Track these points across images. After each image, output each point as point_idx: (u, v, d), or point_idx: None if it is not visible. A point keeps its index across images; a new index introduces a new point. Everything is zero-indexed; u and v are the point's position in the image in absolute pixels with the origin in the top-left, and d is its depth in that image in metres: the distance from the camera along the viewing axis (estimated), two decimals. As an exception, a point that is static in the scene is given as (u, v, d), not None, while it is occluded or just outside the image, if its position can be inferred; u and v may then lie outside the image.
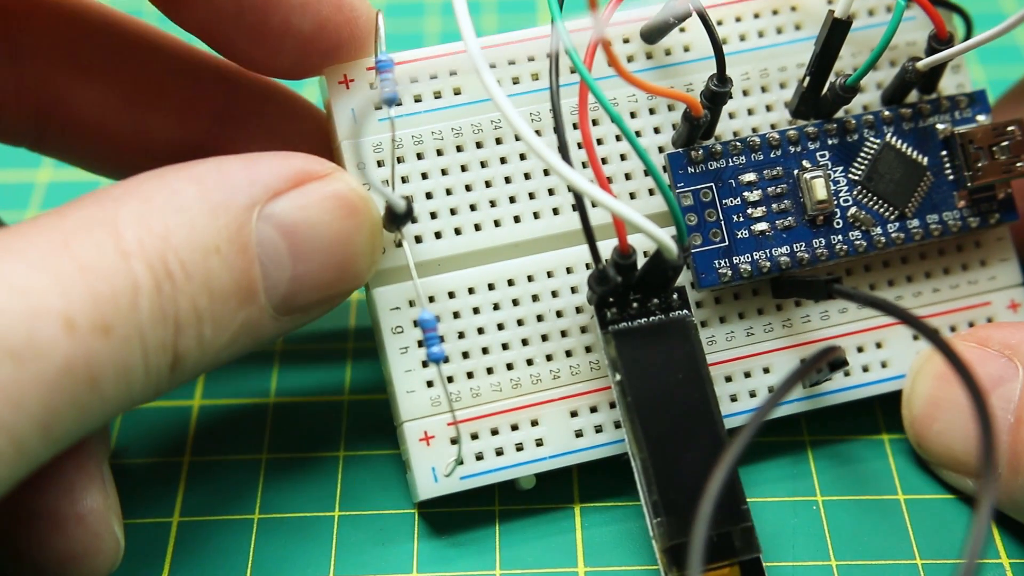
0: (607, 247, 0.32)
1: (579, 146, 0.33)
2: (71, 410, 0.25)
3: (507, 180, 0.34)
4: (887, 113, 0.35)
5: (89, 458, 0.31)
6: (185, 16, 0.32)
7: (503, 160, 0.34)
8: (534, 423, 0.33)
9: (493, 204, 0.34)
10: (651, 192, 0.34)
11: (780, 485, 0.35)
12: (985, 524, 0.23)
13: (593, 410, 0.34)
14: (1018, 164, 0.34)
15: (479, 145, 0.34)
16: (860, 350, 0.35)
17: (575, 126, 0.34)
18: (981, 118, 0.35)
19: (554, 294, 0.34)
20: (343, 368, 0.38)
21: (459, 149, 0.34)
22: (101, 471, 0.31)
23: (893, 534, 0.33)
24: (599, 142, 0.34)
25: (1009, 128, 0.34)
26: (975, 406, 0.25)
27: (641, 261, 0.32)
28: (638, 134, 0.34)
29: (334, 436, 0.36)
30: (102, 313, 0.25)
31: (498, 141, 0.34)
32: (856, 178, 0.34)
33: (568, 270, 0.34)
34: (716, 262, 0.33)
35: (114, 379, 0.25)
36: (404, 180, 0.33)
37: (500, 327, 0.33)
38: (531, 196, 0.34)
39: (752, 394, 0.35)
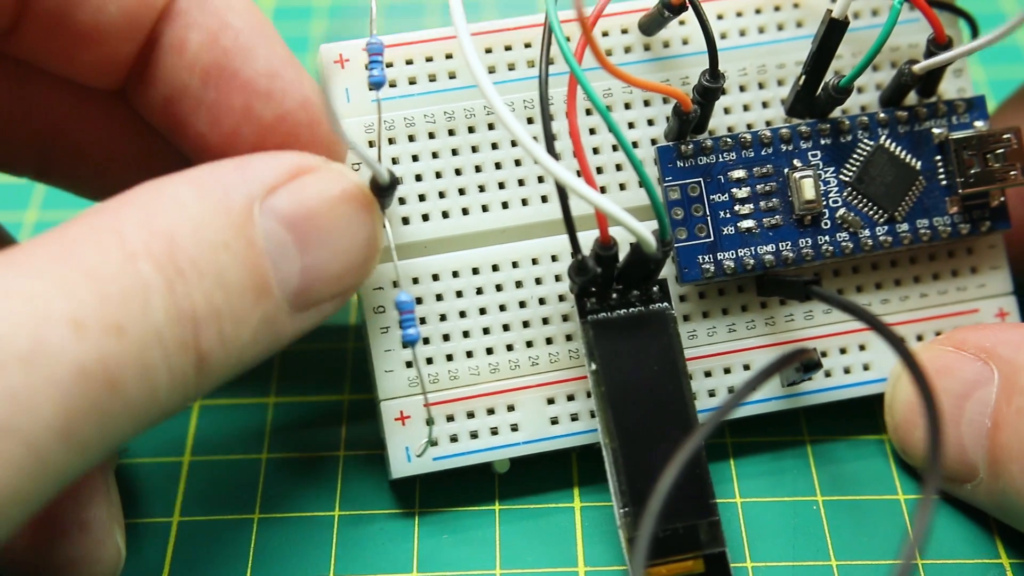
0: (591, 237, 0.31)
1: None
2: (92, 415, 0.24)
3: (497, 166, 0.34)
4: (882, 115, 0.34)
5: (95, 465, 0.30)
6: (145, 94, 0.31)
7: (494, 146, 0.34)
8: (510, 408, 0.34)
9: (482, 189, 0.34)
10: (641, 184, 0.34)
11: (780, 485, 0.35)
12: (924, 529, 0.23)
13: (570, 398, 0.34)
14: (1012, 173, 0.34)
15: (471, 130, 0.34)
16: (843, 351, 0.35)
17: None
18: (979, 124, 0.35)
19: (538, 281, 0.34)
20: (343, 368, 0.38)
21: (451, 133, 0.34)
22: (107, 480, 0.31)
23: (893, 534, 0.33)
24: (592, 132, 0.34)
25: (1005, 136, 0.34)
26: (927, 411, 0.25)
27: (625, 252, 0.32)
28: (632, 126, 0.34)
29: (334, 436, 0.37)
30: (112, 313, 0.24)
31: (490, 127, 0.34)
32: (847, 179, 0.34)
33: (553, 258, 0.34)
34: (700, 257, 0.33)
35: (136, 381, 0.25)
36: (395, 161, 0.33)
37: (482, 311, 0.34)
38: (520, 183, 0.34)
39: (730, 390, 0.34)
